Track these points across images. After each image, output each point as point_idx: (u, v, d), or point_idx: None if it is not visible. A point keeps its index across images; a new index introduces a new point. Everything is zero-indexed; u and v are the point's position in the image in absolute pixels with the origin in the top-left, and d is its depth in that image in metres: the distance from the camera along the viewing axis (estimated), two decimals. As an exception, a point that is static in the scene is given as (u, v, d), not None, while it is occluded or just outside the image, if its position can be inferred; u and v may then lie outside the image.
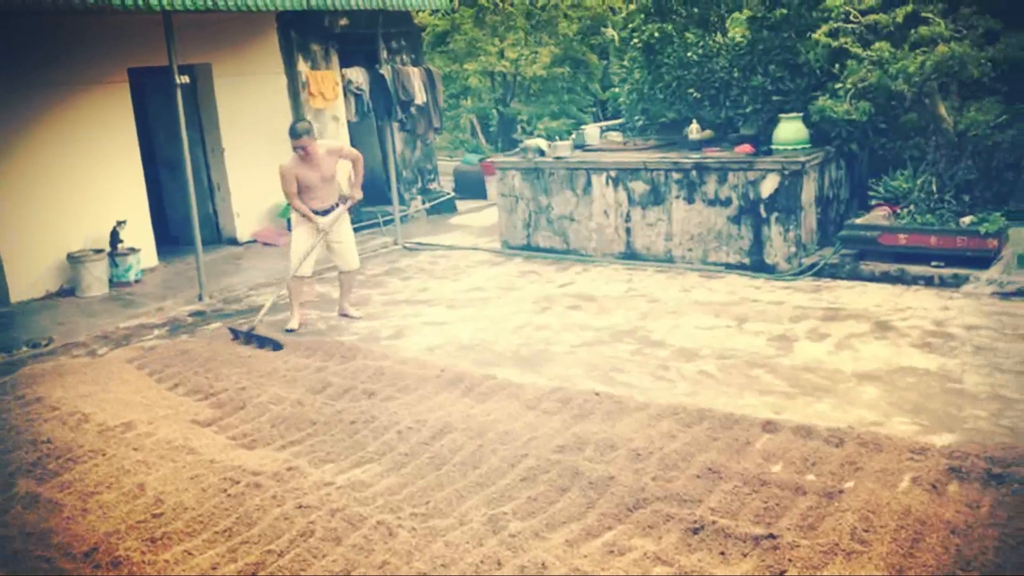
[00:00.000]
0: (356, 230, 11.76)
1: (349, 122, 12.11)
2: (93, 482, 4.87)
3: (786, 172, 8.26)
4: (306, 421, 5.57)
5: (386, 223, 11.95)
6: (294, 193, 7.49)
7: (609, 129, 11.10)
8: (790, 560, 3.75)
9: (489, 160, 14.91)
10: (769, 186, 8.36)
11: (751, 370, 6.08)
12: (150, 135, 10.97)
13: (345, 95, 10.13)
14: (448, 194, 13.80)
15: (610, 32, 16.22)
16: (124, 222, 9.43)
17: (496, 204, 14.03)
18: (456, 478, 4.69)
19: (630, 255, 9.30)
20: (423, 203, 13.29)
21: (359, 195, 7.82)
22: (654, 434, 5.04)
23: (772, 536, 3.89)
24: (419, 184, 13.61)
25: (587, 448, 4.89)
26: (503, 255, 10.11)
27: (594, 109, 16.90)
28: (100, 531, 4.38)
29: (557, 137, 11.75)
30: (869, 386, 5.68)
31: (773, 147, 8.78)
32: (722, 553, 3.88)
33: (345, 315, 8.05)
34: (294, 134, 7.40)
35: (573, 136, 10.21)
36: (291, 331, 7.64)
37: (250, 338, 7.32)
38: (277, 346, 7.08)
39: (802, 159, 8.24)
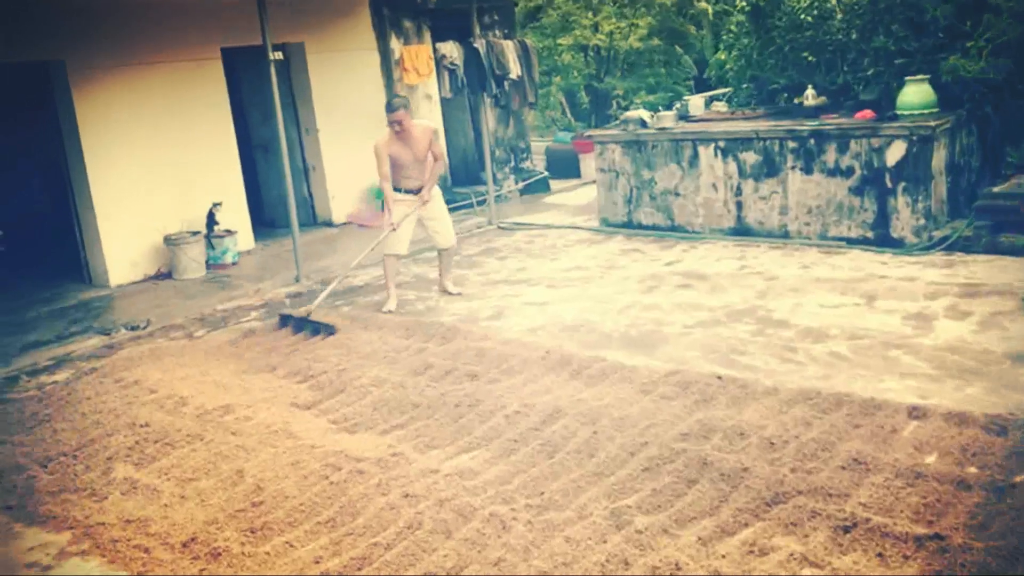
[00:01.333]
0: (449, 211, 11.57)
1: (442, 100, 11.85)
2: (191, 468, 4.67)
3: (914, 138, 7.62)
4: (408, 404, 5.28)
5: (479, 203, 11.65)
6: (387, 174, 7.26)
7: (714, 99, 10.54)
8: (962, 565, 3.28)
9: (583, 137, 14.51)
10: (896, 154, 7.73)
11: (888, 351, 5.55)
12: (244, 117, 10.87)
13: (439, 70, 9.84)
14: (541, 173, 13.42)
15: (702, 4, 15.61)
16: (220, 204, 9.34)
17: (590, 182, 13.69)
18: (571, 467, 4.33)
19: (741, 231, 8.77)
20: (516, 182, 12.94)
21: (429, 197, 7.42)
22: (787, 421, 4.59)
23: (938, 536, 3.42)
24: (512, 163, 13.26)
25: (714, 436, 4.47)
26: (602, 233, 9.68)
27: (691, 82, 16.28)
28: (199, 520, 4.17)
29: (660, 109, 11.23)
30: (1026, 368, 5.10)
31: (897, 112, 8.13)
32: (880, 555, 3.42)
33: (447, 291, 7.80)
34: (390, 108, 7.18)
35: (677, 106, 9.70)
36: (390, 312, 7.39)
37: (303, 324, 6.98)
38: (331, 331, 6.74)
39: (932, 123, 7.58)
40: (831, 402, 4.77)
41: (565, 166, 14.26)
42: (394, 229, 7.31)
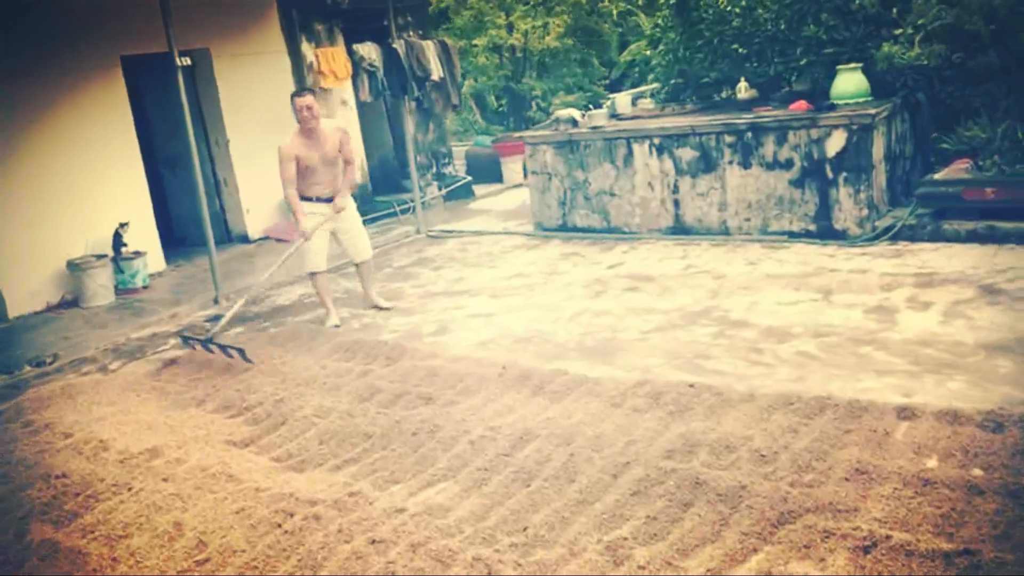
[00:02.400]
0: (371, 220, 11.07)
1: (359, 105, 11.35)
2: (120, 523, 4.12)
3: (854, 127, 7.50)
4: (360, 435, 4.82)
5: (402, 211, 11.20)
6: (292, 179, 6.72)
7: (640, 96, 10.32)
8: (998, 582, 3.02)
9: (508, 140, 14.17)
10: (836, 144, 7.60)
11: (858, 348, 5.34)
12: (148, 132, 10.17)
13: (357, 73, 9.35)
14: (465, 178, 13.02)
15: (606, 3, 15.45)
16: (127, 224, 8.67)
17: (514, 187, 13.40)
18: (551, 496, 3.95)
19: (679, 229, 8.54)
20: (439, 188, 12.51)
21: (343, 205, 6.97)
22: (773, 429, 4.30)
23: (968, 552, 3.16)
24: (434, 169, 12.83)
25: (700, 451, 4.15)
26: (537, 238, 9.35)
27: (605, 82, 16.12)
28: (135, 586, 3.64)
29: (589, 107, 10.94)
30: (1002, 359, 4.94)
31: (833, 102, 8.02)
32: (908, 576, 3.14)
33: (377, 306, 7.34)
34: (298, 93, 6.74)
35: (606, 104, 9.43)
36: (336, 327, 6.93)
37: (208, 348, 6.45)
38: (243, 354, 6.15)
39: (872, 111, 7.48)
40: (813, 406, 4.50)
41: (487, 170, 13.89)
42: (307, 239, 6.82)
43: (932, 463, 3.87)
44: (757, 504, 3.62)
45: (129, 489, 4.43)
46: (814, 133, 7.69)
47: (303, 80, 10.64)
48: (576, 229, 9.21)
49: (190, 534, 3.95)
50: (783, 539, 3.41)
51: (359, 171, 11.39)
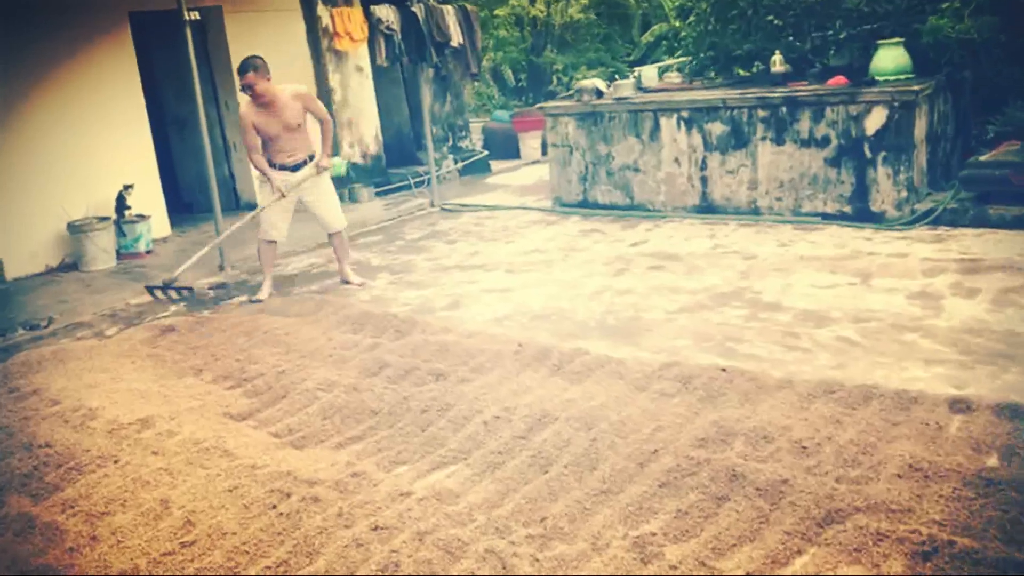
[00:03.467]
0: (384, 192, 10.75)
1: (374, 73, 10.98)
2: (103, 499, 3.80)
3: (896, 104, 7.09)
4: (365, 411, 4.49)
5: (417, 184, 10.84)
6: (255, 146, 6.54)
7: (667, 69, 9.91)
8: (1079, 599, 2.67)
9: (525, 115, 13.77)
10: (876, 121, 7.19)
11: (901, 335, 4.97)
12: (155, 92, 9.83)
13: (374, 36, 8.97)
14: (481, 152, 12.65)
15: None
16: (131, 186, 8.33)
17: (532, 163, 13.02)
18: (571, 484, 3.61)
19: (706, 208, 8.16)
20: (455, 163, 12.13)
21: (327, 163, 6.76)
22: (814, 419, 3.95)
23: (1044, 563, 2.80)
24: (450, 142, 12.44)
25: (734, 440, 3.80)
26: (556, 214, 8.98)
27: (629, 58, 15.67)
28: (114, 567, 3.32)
29: (616, 78, 10.52)
30: (1060, 350, 4.56)
31: (872, 78, 7.60)
32: (974, 588, 2.79)
33: (347, 282, 7.06)
34: (239, 70, 6.44)
35: (633, 76, 9.02)
36: (258, 301, 6.67)
37: (166, 291, 6.82)
38: (192, 292, 6.67)
39: (915, 88, 7.07)
40: (857, 396, 4.15)
41: (504, 146, 13.52)
42: (283, 195, 6.61)
43: (992, 461, 3.51)
44: (801, 501, 3.27)
45: (115, 462, 4.11)
46: (853, 109, 7.28)
47: (318, 42, 10.27)
48: (597, 205, 8.84)
49: (177, 513, 3.63)
50: (831, 540, 3.06)
51: (373, 141, 11.06)
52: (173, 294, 6.81)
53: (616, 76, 13.52)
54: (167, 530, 3.52)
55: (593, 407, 4.24)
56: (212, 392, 4.93)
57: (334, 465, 3.95)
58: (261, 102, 6.45)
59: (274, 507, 3.60)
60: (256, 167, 6.65)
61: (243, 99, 6.76)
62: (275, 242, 6.92)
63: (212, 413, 4.64)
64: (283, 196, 6.58)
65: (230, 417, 4.60)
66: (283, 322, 6.00)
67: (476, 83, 14.09)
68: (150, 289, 6.91)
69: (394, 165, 11.66)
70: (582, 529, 3.29)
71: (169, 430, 4.42)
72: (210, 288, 7.32)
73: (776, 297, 5.77)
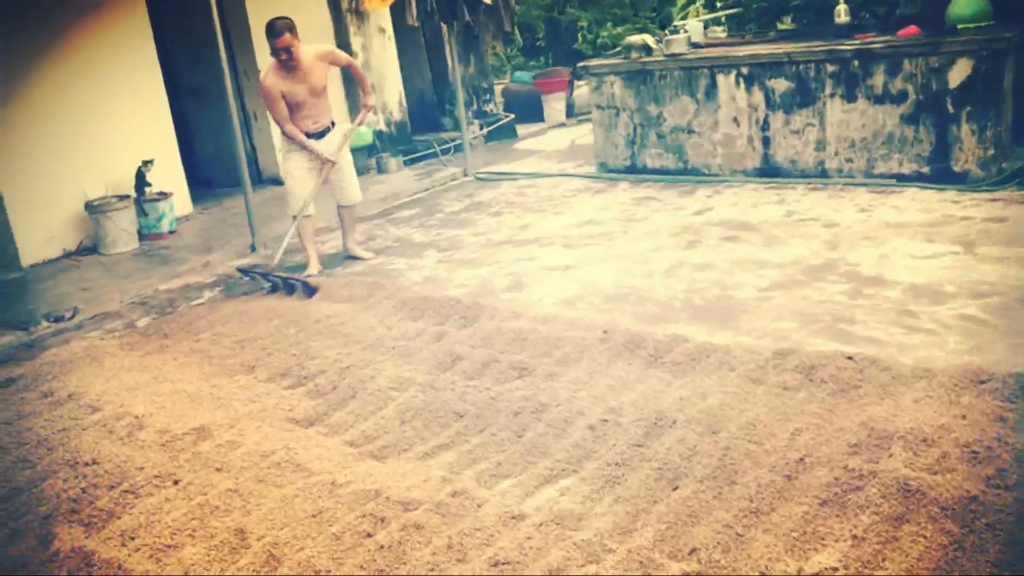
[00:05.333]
0: (411, 161, 10.18)
1: (397, 32, 10.37)
2: (168, 528, 3.32)
3: (984, 54, 6.52)
4: (448, 413, 4.00)
5: (443, 152, 10.28)
6: (286, 116, 6.11)
7: (715, 23, 9.31)
8: None
9: (548, 76, 13.15)
10: (960, 73, 6.63)
11: (1037, 311, 4.47)
12: (167, 61, 9.21)
13: (404, -6, 8.34)
14: (508, 116, 12.02)
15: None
16: (151, 162, 7.78)
17: (557, 126, 12.40)
18: (710, 502, 3.12)
19: (768, 171, 7.62)
20: (480, 128, 11.53)
21: (371, 102, 6.54)
22: (974, 417, 3.45)
23: None
24: (474, 106, 11.84)
25: (891, 445, 3.30)
26: (602, 180, 8.43)
27: (654, 13, 14.98)
28: (194, 618, 2.85)
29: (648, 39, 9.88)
30: None
31: (950, 26, 7.02)
32: None
33: (355, 256, 6.72)
34: (273, 32, 5.94)
35: (686, 28, 8.39)
36: (310, 276, 6.25)
37: (270, 280, 6.16)
38: (310, 289, 5.83)
39: (1006, 35, 6.50)
40: (1012, 386, 3.65)
41: (526, 109, 12.85)
42: (333, 162, 6.29)
43: None
44: (1000, 523, 2.79)
45: (175, 482, 3.62)
46: (934, 61, 6.72)
47: (338, 2, 9.65)
48: (646, 170, 8.29)
49: (257, 545, 3.15)
50: (1050, 575, 2.58)
51: (397, 107, 10.49)
52: (278, 282, 6.20)
53: (642, 33, 12.90)
54: (248, 568, 3.04)
55: (712, 406, 3.75)
56: (270, 393, 4.43)
57: (427, 481, 3.46)
58: (289, 66, 5.95)
59: (369, 536, 3.12)
60: (292, 138, 6.15)
61: (265, 66, 6.25)
62: (311, 216, 6.46)
63: (274, 418, 4.14)
64: (333, 163, 6.21)
65: (295, 423, 4.11)
66: (333, 309, 5.49)
67: (510, 42, 13.44)
68: (246, 272, 6.46)
69: (417, 132, 11.08)
70: (742, 562, 2.81)
71: (230, 440, 3.93)
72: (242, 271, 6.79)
73: (876, 270, 5.26)
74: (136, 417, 4.24)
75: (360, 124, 6.63)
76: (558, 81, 13.04)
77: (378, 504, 3.30)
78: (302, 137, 6.13)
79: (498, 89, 13.77)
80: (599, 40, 13.22)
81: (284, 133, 6.21)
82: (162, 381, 4.67)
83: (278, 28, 5.88)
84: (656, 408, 3.76)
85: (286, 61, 5.97)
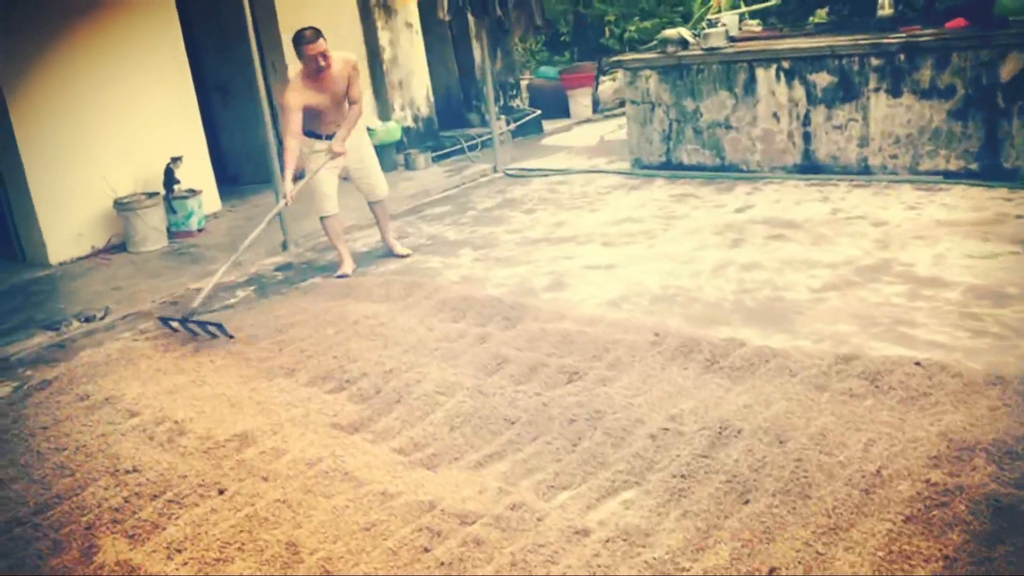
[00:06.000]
0: (440, 157, 10.04)
1: (423, 27, 10.24)
2: (216, 541, 3.19)
3: (1038, 47, 6.33)
4: (499, 420, 3.86)
5: (471, 148, 10.15)
6: (296, 131, 5.89)
7: (752, 16, 9.12)
8: None
9: (574, 71, 12.99)
10: (1012, 67, 6.43)
11: (1108, 315, 4.29)
12: (194, 55, 9.10)
13: (435, -13, 8.21)
14: (534, 111, 11.88)
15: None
16: (180, 158, 7.66)
17: (583, 122, 12.23)
18: (785, 518, 2.97)
19: (809, 168, 7.44)
20: (507, 123, 11.37)
21: (340, 149, 6.08)
22: (1058, 427, 3.28)
23: None
24: (501, 101, 11.67)
25: (973, 458, 3.14)
26: (636, 177, 8.27)
27: (681, 8, 14.76)
28: (249, 639, 2.72)
29: (696, 30, 9.70)
30: None
31: (998, 18, 6.82)
32: None
33: (395, 254, 6.58)
34: (305, 40, 5.79)
35: (723, 22, 8.21)
36: (343, 276, 6.17)
37: (187, 329, 5.34)
38: (225, 331, 5.17)
39: (1061, 28, 6.31)
40: (1093, 394, 3.48)
41: (552, 104, 12.70)
42: (341, 152, 6.07)
43: None
44: (1102, 544, 2.63)
45: (220, 491, 3.50)
46: (984, 55, 6.52)
47: (367, -1, 9.53)
48: (682, 167, 8.12)
49: (310, 560, 3.02)
50: None
51: (424, 102, 10.35)
52: (195, 328, 5.34)
53: (674, 27, 12.72)
54: (303, 584, 2.91)
55: (777, 415, 3.59)
56: (312, 398, 4.30)
57: (482, 492, 3.33)
58: (320, 69, 5.83)
59: (427, 551, 2.99)
60: (286, 154, 5.90)
61: (294, 63, 6.09)
62: (336, 214, 6.33)
63: (319, 424, 4.02)
64: (287, 204, 6.17)
65: (340, 429, 3.97)
66: (371, 309, 5.35)
67: (539, 37, 13.26)
68: (163, 321, 5.57)
69: (444, 127, 10.94)
70: (826, 583, 2.65)
71: (274, 447, 3.80)
72: (276, 269, 6.68)
73: (932, 270, 5.09)
74: (176, 422, 4.12)
75: (335, 156, 6.06)
76: (584, 76, 12.89)
77: (434, 517, 3.16)
78: (291, 163, 5.89)
79: (523, 84, 13.62)
80: (626, 35, 13.01)
81: (307, 132, 6.01)
82: (200, 384, 4.55)
83: (310, 36, 5.75)
84: (719, 416, 3.61)
85: (320, 69, 5.83)
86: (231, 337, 5.14)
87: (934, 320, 4.44)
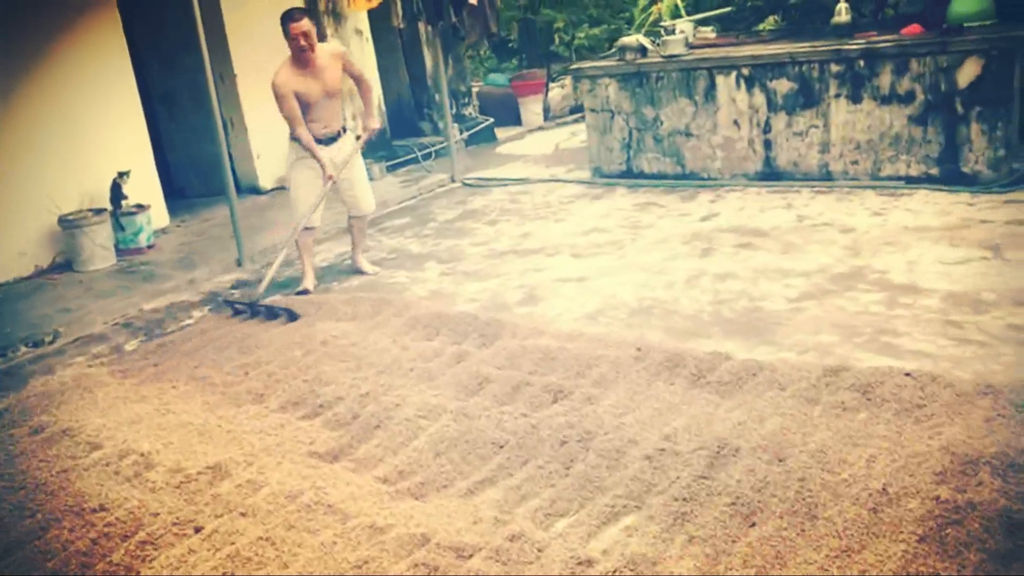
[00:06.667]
0: (393, 167, 9.87)
1: (376, 34, 10.06)
2: (197, 585, 3.00)
3: (995, 53, 6.40)
4: (487, 444, 3.72)
5: (424, 157, 9.99)
6: (299, 117, 5.74)
7: (705, 22, 9.12)
8: None
9: (525, 78, 12.90)
10: (969, 72, 6.50)
11: (1086, 320, 4.31)
12: (139, 65, 8.80)
13: (390, -6, 8.04)
14: (487, 120, 11.76)
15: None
16: (127, 173, 7.36)
17: (535, 130, 12.15)
18: (795, 541, 2.88)
19: (770, 175, 7.44)
20: (460, 132, 11.24)
21: (376, 124, 6.15)
22: (1058, 438, 3.26)
23: None
24: (453, 110, 11.52)
25: (978, 471, 3.09)
26: (598, 186, 8.20)
27: (627, 14, 14.79)
28: None
29: (652, 37, 9.68)
30: None
31: (951, 24, 6.90)
32: None
33: (361, 271, 6.39)
34: (291, 17, 5.64)
35: (681, 30, 8.17)
36: (304, 292, 6.02)
37: (255, 312, 5.72)
38: (293, 316, 5.47)
39: (1017, 34, 6.38)
40: (1086, 403, 3.47)
41: (503, 112, 12.61)
42: (335, 180, 5.91)
43: None
44: (1122, 560, 2.59)
45: (197, 530, 3.30)
46: (942, 60, 6.58)
47: (315, 2, 9.30)
48: (643, 175, 8.08)
49: (301, 603, 2.84)
50: None
51: (377, 112, 10.15)
52: (261, 318, 5.69)
53: (614, 37, 12.71)
54: (296, 631, 2.74)
55: (773, 431, 3.52)
56: (285, 424, 4.11)
57: (477, 522, 3.18)
58: (304, 58, 5.66)
59: (425, 589, 2.84)
60: (304, 143, 5.80)
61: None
62: (314, 228, 6.14)
63: (295, 453, 3.83)
64: (335, 183, 5.84)
65: (318, 457, 3.80)
66: (339, 328, 5.17)
67: (491, 42, 13.11)
68: (231, 305, 5.96)
69: (396, 136, 10.76)
70: (848, 611, 2.57)
71: (250, 480, 3.61)
72: (233, 287, 6.45)
73: (907, 277, 5.08)
74: (142, 455, 3.90)
75: (365, 140, 6.23)
76: (535, 83, 12.81)
77: (428, 551, 3.01)
78: (312, 145, 5.77)
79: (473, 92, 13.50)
80: (576, 41, 12.98)
81: (293, 136, 5.84)
82: (164, 413, 4.32)
83: (294, 14, 5.60)
84: (714, 434, 3.52)
85: (304, 51, 5.62)
86: (296, 318, 5.37)
87: (916, 329, 4.43)
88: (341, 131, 6.02)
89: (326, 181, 5.85)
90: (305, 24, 5.60)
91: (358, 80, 6.08)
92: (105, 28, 7.55)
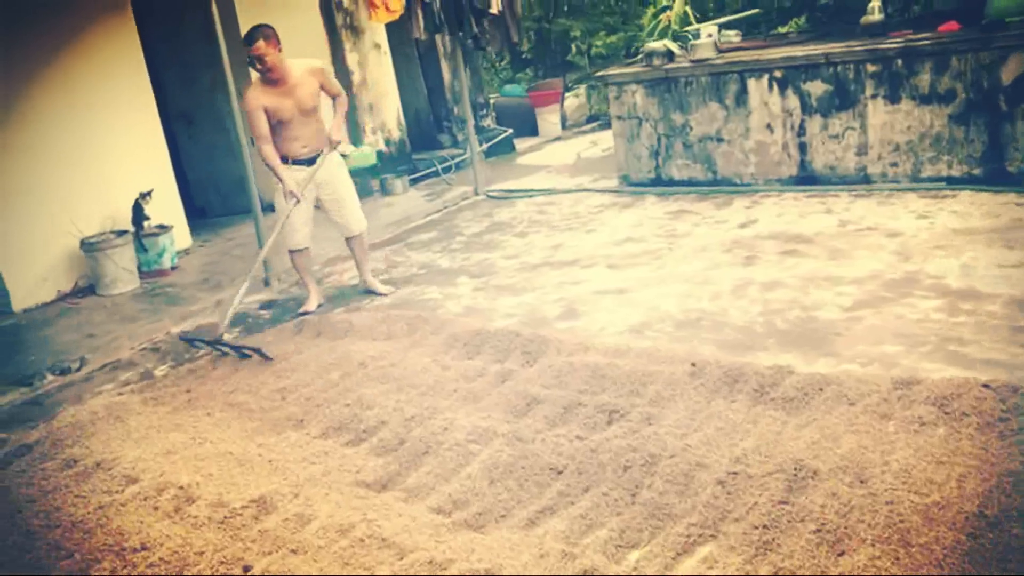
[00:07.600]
0: (414, 181, 9.72)
1: (393, 47, 9.93)
2: (251, 631, 2.81)
3: (1039, 48, 6.21)
4: (544, 469, 3.53)
5: (444, 170, 9.85)
6: (266, 135, 5.52)
7: (728, 26, 8.96)
8: None
9: (542, 88, 12.77)
10: (1013, 69, 6.31)
11: None
12: (158, 84, 8.67)
13: (410, 5, 7.88)
14: (506, 130, 11.61)
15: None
16: (149, 193, 7.22)
17: (553, 140, 11.99)
18: (892, 571, 2.68)
19: (805, 179, 7.25)
20: (480, 143, 11.07)
21: (338, 136, 5.76)
22: None
23: None
24: (473, 121, 11.36)
25: (1080, 491, 2.89)
26: (626, 194, 8.02)
27: (642, 20, 14.65)
28: None
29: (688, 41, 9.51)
30: None
31: (991, 20, 6.70)
32: None
33: (373, 292, 6.14)
34: (246, 39, 5.43)
35: (709, 33, 8.00)
36: (306, 313, 5.87)
37: (217, 349, 5.35)
38: (264, 355, 5.07)
39: (1063, 28, 6.20)
40: None
41: (520, 122, 12.45)
42: (297, 201, 5.63)
43: None
44: None
45: (246, 569, 3.12)
46: (984, 57, 6.39)
47: (333, 17, 9.18)
48: (673, 182, 7.89)
49: (364, 649, 2.66)
50: None
51: (396, 125, 10.02)
52: (227, 351, 5.35)
53: (630, 44, 12.58)
54: None
55: (851, 450, 3.32)
56: (329, 452, 3.93)
57: (544, 556, 2.99)
58: (271, 78, 5.47)
59: (497, 632, 2.65)
60: (266, 161, 5.59)
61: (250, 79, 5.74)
62: (306, 248, 5.95)
63: (341, 483, 3.65)
64: (298, 201, 5.62)
65: (367, 487, 3.61)
66: (376, 348, 4.99)
67: (504, 55, 13.01)
68: (190, 340, 5.63)
69: (416, 150, 10.62)
70: (961, 648, 2.37)
71: (298, 513, 3.43)
72: (261, 308, 6.29)
73: (963, 282, 4.88)
74: (181, 487, 3.72)
75: (335, 145, 5.79)
76: (552, 93, 12.68)
77: (498, 590, 2.82)
78: (275, 162, 5.58)
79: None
80: (593, 50, 12.83)
81: (260, 154, 5.63)
82: (201, 442, 4.15)
83: (249, 36, 5.39)
84: (787, 455, 3.32)
85: (263, 72, 5.47)
86: (270, 359, 4.95)
87: (983, 336, 4.22)
88: (324, 151, 5.74)
89: (288, 199, 5.62)
90: (260, 46, 5.35)
91: (336, 97, 5.79)
92: (123, 47, 7.43)
